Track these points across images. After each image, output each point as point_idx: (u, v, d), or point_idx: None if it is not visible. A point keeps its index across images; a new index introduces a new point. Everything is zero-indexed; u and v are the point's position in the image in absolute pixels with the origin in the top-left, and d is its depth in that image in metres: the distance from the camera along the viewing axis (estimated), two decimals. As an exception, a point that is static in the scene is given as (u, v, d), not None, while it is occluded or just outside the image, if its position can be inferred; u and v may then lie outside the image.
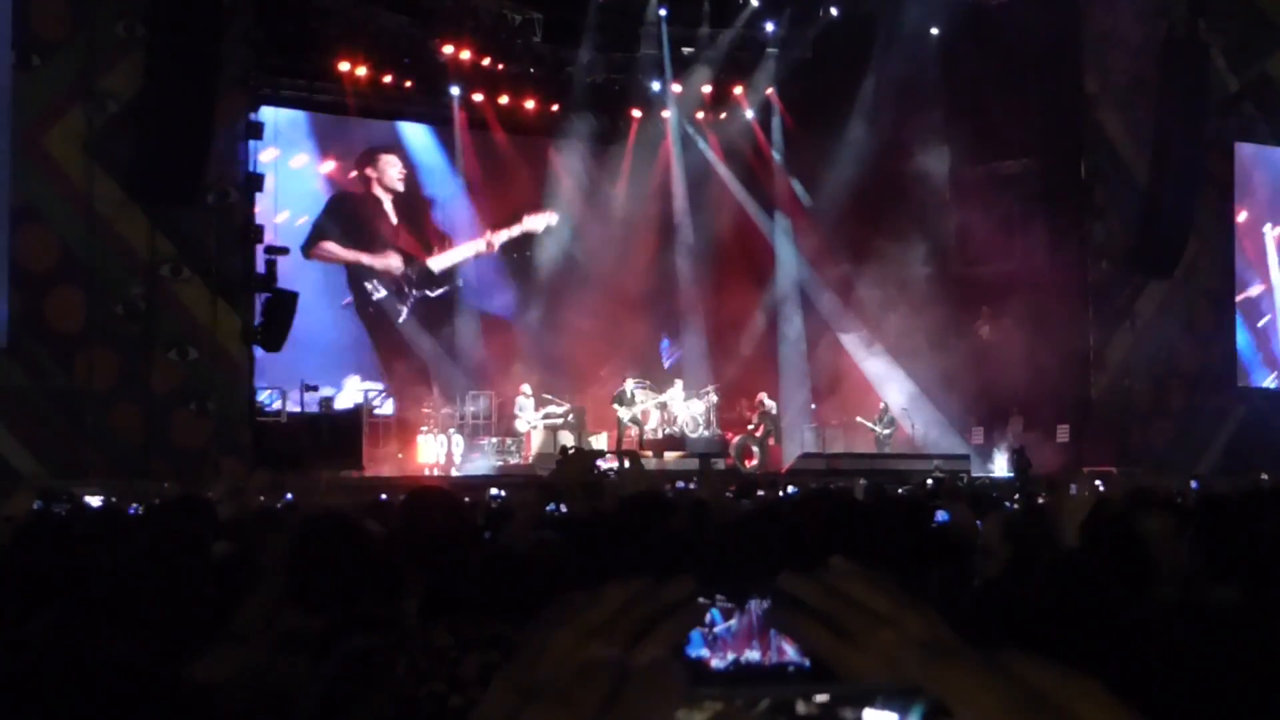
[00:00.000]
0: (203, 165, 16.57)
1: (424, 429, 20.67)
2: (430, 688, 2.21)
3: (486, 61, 21.50)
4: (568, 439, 19.40)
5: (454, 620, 2.35)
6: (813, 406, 22.67)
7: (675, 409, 21.08)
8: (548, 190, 22.71)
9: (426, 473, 19.33)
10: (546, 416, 20.77)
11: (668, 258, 23.15)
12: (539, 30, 21.88)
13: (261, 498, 6.47)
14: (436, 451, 20.45)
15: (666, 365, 21.17)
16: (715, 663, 1.12)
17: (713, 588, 1.10)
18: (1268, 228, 22.67)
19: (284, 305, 17.82)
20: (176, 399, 16.81)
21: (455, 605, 2.84)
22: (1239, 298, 22.21)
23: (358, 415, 19.66)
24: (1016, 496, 10.69)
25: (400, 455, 20.20)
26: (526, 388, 20.94)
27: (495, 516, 6.11)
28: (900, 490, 10.27)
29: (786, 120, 23.42)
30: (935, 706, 0.80)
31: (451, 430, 20.75)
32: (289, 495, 7.50)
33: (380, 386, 21.33)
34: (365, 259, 21.92)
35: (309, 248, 21.36)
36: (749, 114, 23.33)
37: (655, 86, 22.57)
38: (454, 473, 19.48)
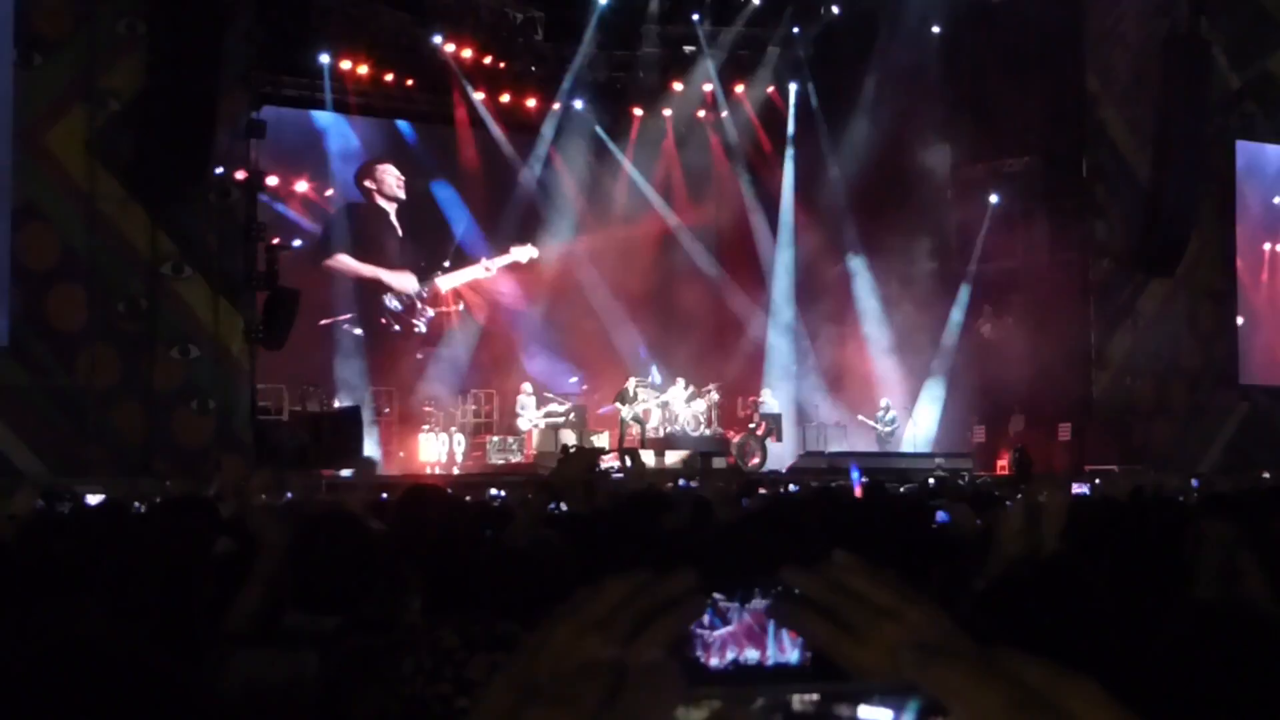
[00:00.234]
0: (204, 163, 16.56)
1: (425, 427, 20.66)
2: (437, 689, 2.21)
3: (488, 59, 21.49)
4: (569, 437, 19.40)
5: (462, 620, 2.35)
6: (815, 405, 22.65)
7: (677, 408, 21.06)
8: (548, 190, 22.66)
9: (428, 471, 19.32)
10: (548, 415, 20.76)
11: (669, 255, 23.13)
12: (540, 28, 21.89)
13: (263, 496, 6.45)
14: (438, 450, 20.44)
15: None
16: (713, 662, 1.12)
17: (713, 586, 1.10)
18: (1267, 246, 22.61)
19: (285, 304, 17.80)
20: (178, 397, 16.78)
21: (458, 603, 2.85)
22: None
23: (358, 414, 19.61)
24: (1019, 495, 10.65)
25: (401, 454, 20.20)
26: (528, 386, 20.94)
27: (496, 515, 6.09)
28: (901, 489, 10.25)
29: (788, 118, 23.40)
30: (931, 705, 0.81)
31: (453, 429, 20.75)
32: (289, 494, 7.50)
33: (382, 386, 21.27)
34: (383, 276, 21.79)
35: (319, 259, 21.25)
36: (750, 112, 23.30)
37: (656, 84, 22.56)
38: (455, 471, 19.48)
